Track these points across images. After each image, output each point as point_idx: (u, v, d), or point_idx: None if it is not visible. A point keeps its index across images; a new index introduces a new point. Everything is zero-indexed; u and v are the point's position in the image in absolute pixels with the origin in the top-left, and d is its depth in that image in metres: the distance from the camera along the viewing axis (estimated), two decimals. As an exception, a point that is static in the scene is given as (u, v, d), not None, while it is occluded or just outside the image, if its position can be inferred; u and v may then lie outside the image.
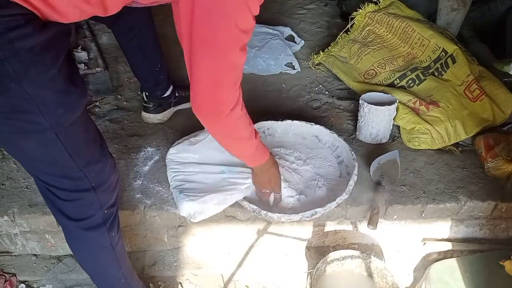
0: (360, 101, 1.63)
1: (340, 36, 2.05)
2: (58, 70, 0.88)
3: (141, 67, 1.62)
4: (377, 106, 1.58)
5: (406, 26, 1.88)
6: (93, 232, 1.11)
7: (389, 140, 1.69)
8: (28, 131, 0.91)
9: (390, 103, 1.62)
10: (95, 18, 1.51)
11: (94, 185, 1.05)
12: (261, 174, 1.35)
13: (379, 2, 2.01)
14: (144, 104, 1.71)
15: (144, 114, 1.73)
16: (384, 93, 1.70)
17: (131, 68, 1.66)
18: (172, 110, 1.76)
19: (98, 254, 1.17)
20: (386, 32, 1.95)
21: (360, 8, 2.01)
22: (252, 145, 1.22)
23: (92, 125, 1.07)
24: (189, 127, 1.72)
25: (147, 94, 1.69)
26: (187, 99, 1.76)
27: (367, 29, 1.99)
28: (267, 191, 1.39)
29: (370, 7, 2.00)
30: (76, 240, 1.15)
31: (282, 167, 1.46)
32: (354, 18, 2.03)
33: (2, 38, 0.79)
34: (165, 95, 1.69)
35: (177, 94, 1.74)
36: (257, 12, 0.96)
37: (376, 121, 1.61)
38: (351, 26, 2.04)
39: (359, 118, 1.66)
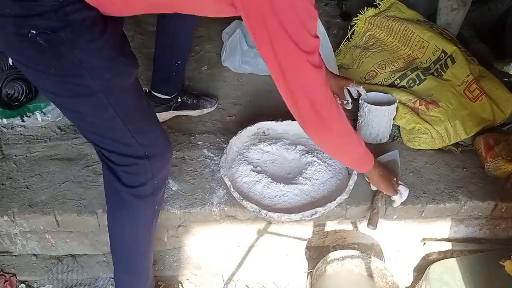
0: (360, 101, 1.63)
1: (343, 44, 2.06)
2: (105, 42, 0.98)
3: (161, 62, 1.66)
4: (377, 106, 1.58)
5: (405, 29, 1.89)
6: (142, 201, 1.16)
7: (389, 140, 1.69)
8: (81, 94, 1.01)
9: (390, 103, 1.62)
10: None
11: (148, 153, 1.11)
12: (377, 177, 1.34)
13: (379, 5, 2.01)
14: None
15: None
16: (384, 93, 1.70)
17: (154, 57, 1.68)
18: (170, 113, 1.74)
19: (138, 223, 1.21)
20: (387, 36, 1.95)
21: (360, 13, 2.02)
22: (359, 140, 1.19)
23: (143, 97, 1.15)
24: (189, 127, 1.72)
25: (147, 90, 1.69)
26: (193, 107, 1.76)
27: (367, 34, 2.00)
28: (396, 187, 1.39)
29: (370, 11, 2.00)
30: (123, 207, 1.17)
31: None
32: (354, 25, 2.04)
33: (59, 12, 0.90)
34: (166, 97, 1.69)
35: (179, 100, 1.72)
36: (315, 31, 0.99)
37: (376, 121, 1.61)
38: (352, 34, 2.05)
39: (359, 118, 1.66)
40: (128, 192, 1.14)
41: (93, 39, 0.96)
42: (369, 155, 1.25)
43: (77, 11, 0.93)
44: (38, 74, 1.01)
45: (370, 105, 1.59)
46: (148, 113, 1.15)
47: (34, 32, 0.91)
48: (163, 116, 1.73)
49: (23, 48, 0.96)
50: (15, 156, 1.55)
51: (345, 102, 1.52)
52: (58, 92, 1.03)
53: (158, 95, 1.68)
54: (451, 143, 1.64)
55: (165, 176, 1.20)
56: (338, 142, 1.14)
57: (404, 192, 1.40)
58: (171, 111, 1.74)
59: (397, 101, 1.65)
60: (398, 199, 1.40)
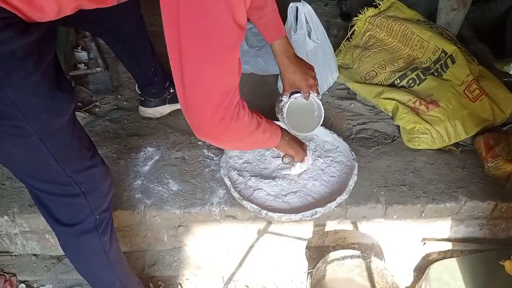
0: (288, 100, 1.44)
1: (343, 44, 2.06)
2: (42, 75, 0.87)
3: (134, 70, 1.64)
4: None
5: (405, 28, 1.89)
6: (85, 237, 1.10)
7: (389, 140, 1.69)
8: (13, 136, 0.91)
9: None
10: (81, 26, 1.49)
11: (84, 190, 1.03)
12: (287, 148, 1.32)
13: (379, 5, 2.01)
14: (139, 97, 1.74)
15: (139, 107, 1.74)
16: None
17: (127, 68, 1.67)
18: (166, 108, 1.73)
19: (90, 259, 1.16)
20: (387, 36, 1.95)
21: (360, 13, 2.02)
22: (264, 129, 1.12)
23: (80, 131, 1.05)
24: (189, 127, 1.71)
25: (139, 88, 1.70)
26: None
27: (367, 34, 2.00)
28: (306, 154, 1.38)
29: (370, 11, 2.00)
30: (68, 245, 1.14)
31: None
32: (354, 25, 2.04)
33: None
34: (158, 92, 1.68)
35: (172, 91, 1.70)
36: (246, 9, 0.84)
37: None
38: (352, 33, 2.05)
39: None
40: (68, 231, 1.08)
41: (27, 74, 0.84)
42: (275, 133, 1.19)
43: (5, 42, 0.80)
44: None
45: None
46: (85, 147, 1.04)
47: None
48: (160, 110, 1.72)
49: None
50: (15, 156, 1.55)
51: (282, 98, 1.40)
52: None
53: (147, 96, 1.69)
54: (451, 143, 1.64)
55: (107, 207, 1.12)
56: (238, 146, 1.11)
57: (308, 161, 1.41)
58: (167, 105, 1.72)
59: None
60: (298, 168, 1.41)
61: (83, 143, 1.04)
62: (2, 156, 0.98)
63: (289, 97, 1.37)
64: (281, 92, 1.41)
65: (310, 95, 1.37)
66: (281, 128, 1.24)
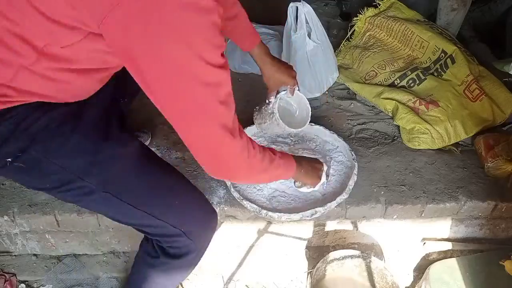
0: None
1: (343, 44, 2.06)
2: (83, 134, 0.94)
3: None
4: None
5: (405, 29, 1.89)
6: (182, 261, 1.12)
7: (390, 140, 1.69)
8: (85, 195, 0.97)
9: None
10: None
11: (184, 230, 1.05)
12: (303, 179, 1.30)
13: (379, 5, 2.01)
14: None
15: None
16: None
17: None
18: None
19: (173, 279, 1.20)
20: (387, 36, 1.95)
21: (360, 13, 2.02)
22: (278, 165, 1.09)
23: (149, 167, 1.05)
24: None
25: None
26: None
27: (367, 34, 2.00)
28: (313, 185, 1.34)
29: (370, 11, 2.00)
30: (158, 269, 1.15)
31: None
32: (354, 25, 2.04)
33: (18, 130, 0.87)
34: None
35: None
36: (218, 60, 0.78)
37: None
38: (352, 33, 2.05)
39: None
40: (168, 260, 1.11)
41: (66, 140, 0.91)
42: (289, 165, 1.14)
43: (36, 120, 0.88)
44: (42, 190, 1.00)
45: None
46: (168, 186, 1.05)
47: (9, 160, 0.89)
48: None
49: (13, 175, 0.96)
50: (15, 156, 1.55)
51: (269, 99, 1.41)
52: (68, 199, 1.03)
53: None
54: (451, 143, 1.64)
55: (210, 242, 1.16)
56: (254, 181, 1.13)
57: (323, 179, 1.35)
58: None
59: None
60: (306, 188, 1.38)
61: (166, 180, 1.06)
62: (96, 212, 1.11)
63: (276, 96, 1.39)
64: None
65: (295, 88, 1.39)
66: (296, 159, 1.19)
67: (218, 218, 1.44)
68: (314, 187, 1.35)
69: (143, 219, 1.02)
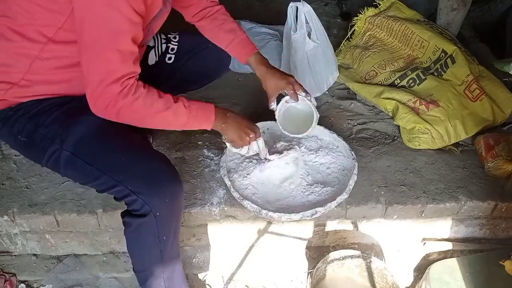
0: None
1: (343, 44, 2.06)
2: (62, 111, 1.16)
3: None
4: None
5: (406, 28, 1.89)
6: (141, 219, 1.14)
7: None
8: (58, 161, 1.15)
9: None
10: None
11: (132, 189, 1.10)
12: (228, 131, 1.27)
13: (379, 5, 2.01)
14: None
15: None
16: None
17: None
18: None
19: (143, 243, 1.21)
20: (387, 36, 1.95)
21: (360, 13, 2.02)
22: (179, 111, 1.13)
23: (110, 131, 1.15)
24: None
25: None
26: None
27: (367, 34, 2.00)
28: (247, 144, 1.30)
29: (370, 11, 2.01)
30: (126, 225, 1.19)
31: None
32: (354, 25, 2.04)
33: (25, 116, 1.16)
34: None
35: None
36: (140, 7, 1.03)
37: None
38: (352, 33, 2.05)
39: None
40: (130, 220, 1.16)
41: (50, 114, 1.14)
42: (201, 119, 1.18)
43: (38, 105, 1.15)
44: (40, 163, 1.22)
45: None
46: (124, 148, 1.15)
47: (19, 136, 1.17)
48: None
49: (23, 150, 1.28)
50: (15, 156, 1.55)
51: (271, 107, 1.45)
52: (56, 170, 1.21)
53: None
54: (451, 143, 1.64)
55: (174, 212, 1.16)
56: (143, 123, 1.14)
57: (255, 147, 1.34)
58: None
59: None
60: (241, 150, 1.34)
61: (121, 144, 1.17)
62: (78, 181, 1.27)
63: (277, 103, 1.43)
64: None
65: (299, 95, 1.39)
66: (220, 113, 1.22)
67: (218, 218, 1.45)
68: (240, 150, 1.32)
69: (101, 179, 1.12)
